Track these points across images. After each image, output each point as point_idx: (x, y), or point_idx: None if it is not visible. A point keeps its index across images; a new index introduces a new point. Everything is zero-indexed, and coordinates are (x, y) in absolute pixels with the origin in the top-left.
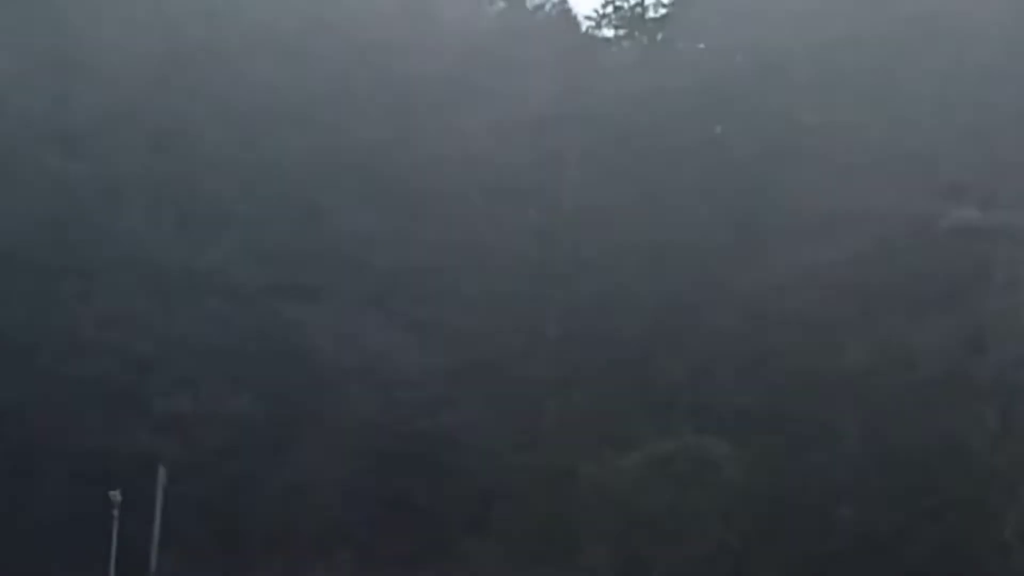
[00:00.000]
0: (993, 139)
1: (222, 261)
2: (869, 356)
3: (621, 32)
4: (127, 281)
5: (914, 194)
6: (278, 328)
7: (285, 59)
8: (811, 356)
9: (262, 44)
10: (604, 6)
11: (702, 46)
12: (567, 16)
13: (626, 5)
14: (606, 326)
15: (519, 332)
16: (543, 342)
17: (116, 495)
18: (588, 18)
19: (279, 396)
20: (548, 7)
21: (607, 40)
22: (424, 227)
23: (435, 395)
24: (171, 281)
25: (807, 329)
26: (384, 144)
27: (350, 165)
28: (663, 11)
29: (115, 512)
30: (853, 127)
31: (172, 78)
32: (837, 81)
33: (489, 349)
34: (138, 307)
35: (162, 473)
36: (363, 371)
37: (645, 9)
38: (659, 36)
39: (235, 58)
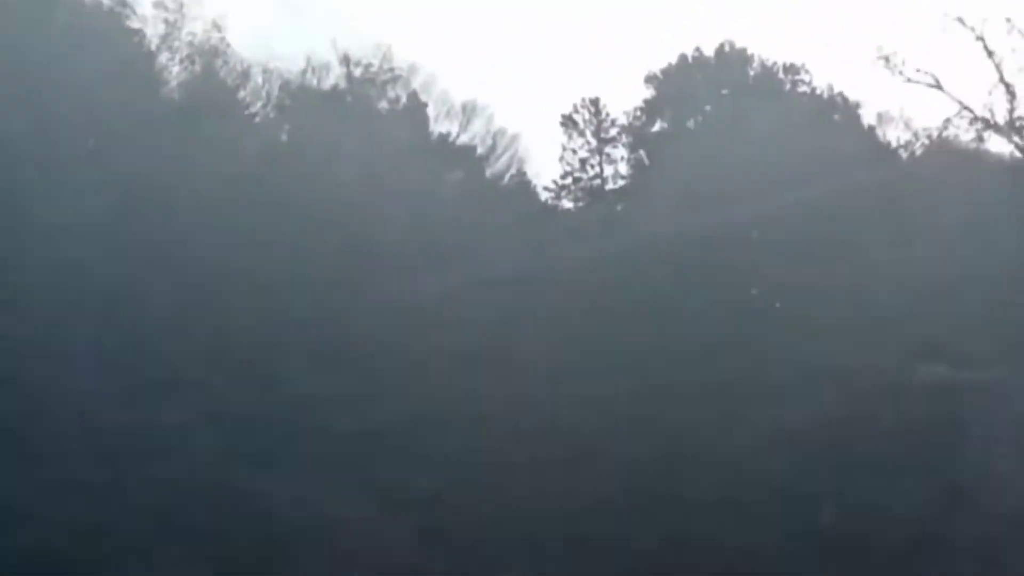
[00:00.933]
0: (960, 299)
1: (176, 425)
2: (844, 520)
3: (580, 204)
4: (75, 447)
5: (885, 353)
6: (234, 495)
7: (238, 221)
8: (785, 519)
9: (216, 205)
10: (563, 178)
11: (662, 213)
12: (526, 187)
13: (584, 177)
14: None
15: (486, 496)
16: (512, 507)
17: None
18: (547, 188)
19: (239, 564)
20: (507, 178)
21: (567, 210)
22: (386, 389)
23: (402, 565)
24: (121, 446)
25: (781, 491)
26: (343, 308)
27: (305, 329)
28: (621, 183)
29: None
30: (820, 288)
31: (123, 237)
32: (801, 245)
33: (455, 515)
34: (86, 474)
35: None
36: (324, 540)
37: (604, 181)
38: (618, 207)
39: (186, 218)
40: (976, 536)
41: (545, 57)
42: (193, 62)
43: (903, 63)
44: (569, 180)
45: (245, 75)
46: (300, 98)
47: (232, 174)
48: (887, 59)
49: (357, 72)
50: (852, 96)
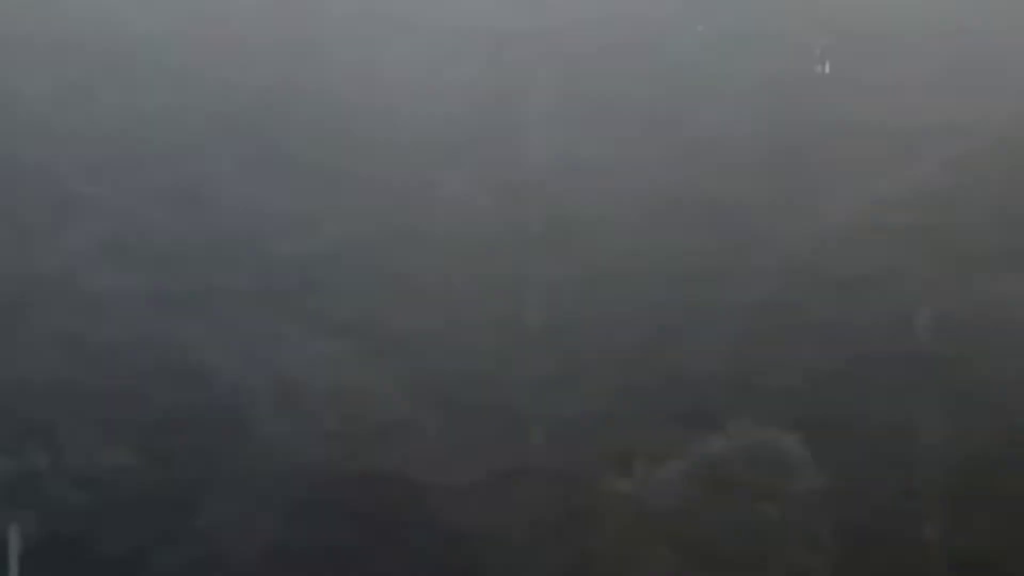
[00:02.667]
0: None
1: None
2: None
3: None
4: None
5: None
6: (155, 348)
7: None
8: (874, 322)
9: None
10: None
11: None
12: None
13: None
14: (605, 305)
15: (485, 327)
16: (521, 333)
17: None
18: None
19: (165, 440)
20: None
21: None
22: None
23: (380, 423)
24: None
25: (868, 288)
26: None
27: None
28: None
29: None
30: None
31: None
32: None
33: (447, 356)
34: None
35: (15, 540)
36: (279, 396)
37: None
38: None
39: None
40: None
41: None
42: None
43: None
44: None
45: None
46: None
47: None
48: None
49: None
50: None
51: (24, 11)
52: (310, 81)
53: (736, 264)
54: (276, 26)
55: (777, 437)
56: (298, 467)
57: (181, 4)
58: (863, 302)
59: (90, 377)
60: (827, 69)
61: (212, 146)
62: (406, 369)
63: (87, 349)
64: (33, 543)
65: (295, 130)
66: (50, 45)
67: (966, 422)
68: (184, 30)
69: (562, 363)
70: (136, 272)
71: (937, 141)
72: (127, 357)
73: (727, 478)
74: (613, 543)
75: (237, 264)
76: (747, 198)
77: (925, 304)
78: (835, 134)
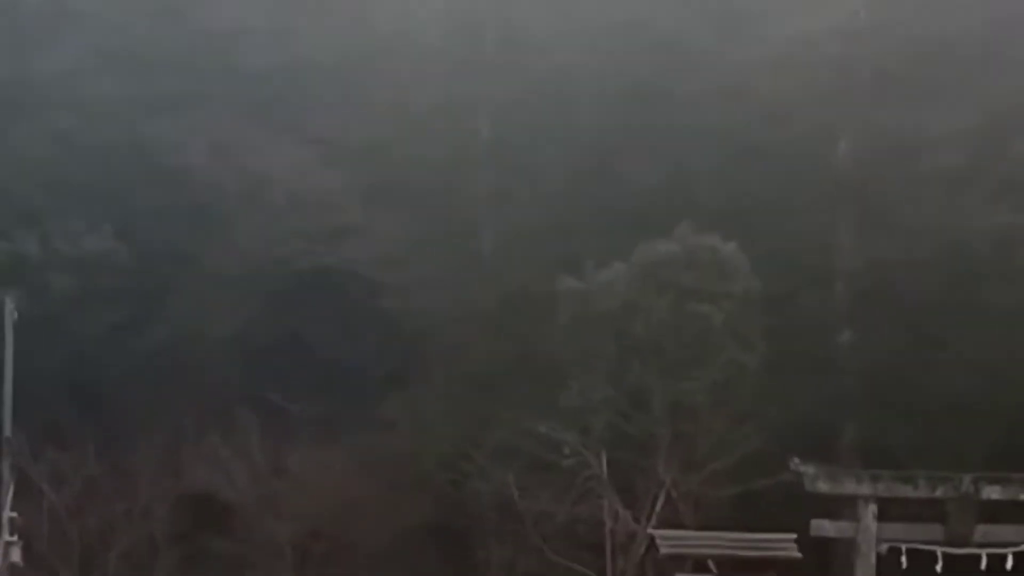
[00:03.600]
0: None
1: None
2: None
3: None
4: None
5: None
6: (139, 148)
7: None
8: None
9: None
10: None
11: None
12: None
13: None
14: (555, 119)
15: (445, 138)
16: (475, 145)
17: None
18: None
19: (145, 231)
20: None
21: None
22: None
23: (340, 224)
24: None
25: (793, 113)
26: None
27: None
28: None
29: None
30: None
31: None
32: None
33: (405, 163)
34: None
35: (10, 307)
36: (248, 196)
37: None
38: None
39: None
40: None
41: None
42: None
43: None
44: None
45: None
46: None
47: None
48: None
49: None
50: None
51: None
52: None
53: (677, 88)
54: None
55: (717, 244)
56: (263, 260)
57: None
58: (793, 127)
59: (77, 172)
60: None
61: None
62: (365, 176)
63: (76, 148)
64: (22, 320)
65: None
66: None
67: (878, 239)
68: None
69: (514, 175)
70: (124, 79)
71: None
72: (113, 156)
73: (669, 279)
74: (561, 337)
75: (215, 74)
76: (688, 26)
77: (848, 132)
78: None
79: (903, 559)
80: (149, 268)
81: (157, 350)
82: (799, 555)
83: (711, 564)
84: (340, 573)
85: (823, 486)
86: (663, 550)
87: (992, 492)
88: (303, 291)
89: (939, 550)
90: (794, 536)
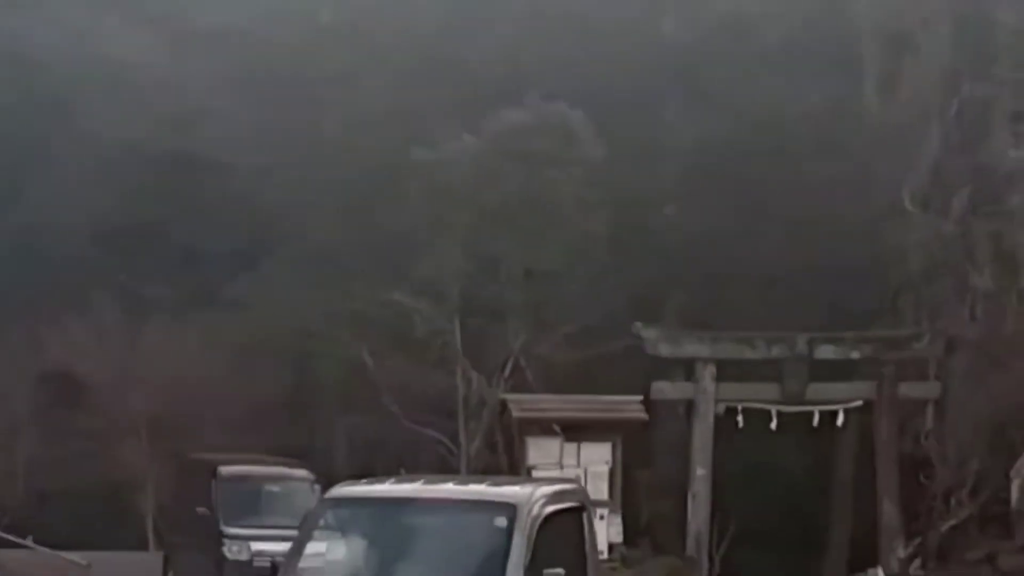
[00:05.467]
0: None
1: None
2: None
3: None
4: None
5: None
6: None
7: None
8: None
9: None
10: None
11: None
12: None
13: None
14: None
15: (291, 23)
16: (320, 29)
17: None
18: None
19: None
20: None
21: None
22: None
23: (191, 109)
24: None
25: None
26: None
27: None
28: None
29: None
30: None
31: None
32: None
33: (254, 49)
34: None
35: None
36: (101, 83)
37: None
38: None
39: None
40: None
41: None
42: None
43: None
44: None
45: None
46: None
47: None
48: None
49: None
50: None
51: None
52: None
53: None
54: None
55: (565, 111)
56: (116, 147)
57: None
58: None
59: None
60: None
61: None
62: (215, 63)
63: None
64: None
65: None
66: None
67: (705, 115)
68: None
69: (362, 57)
70: None
71: None
72: None
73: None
74: (413, 209)
75: None
76: None
77: (675, 10)
78: None
79: (739, 418)
80: (2, 159)
81: (13, 238)
82: (646, 416)
83: (556, 427)
84: (194, 446)
85: (664, 349)
86: (515, 413)
87: (826, 351)
88: (156, 176)
89: (774, 408)
90: (640, 398)
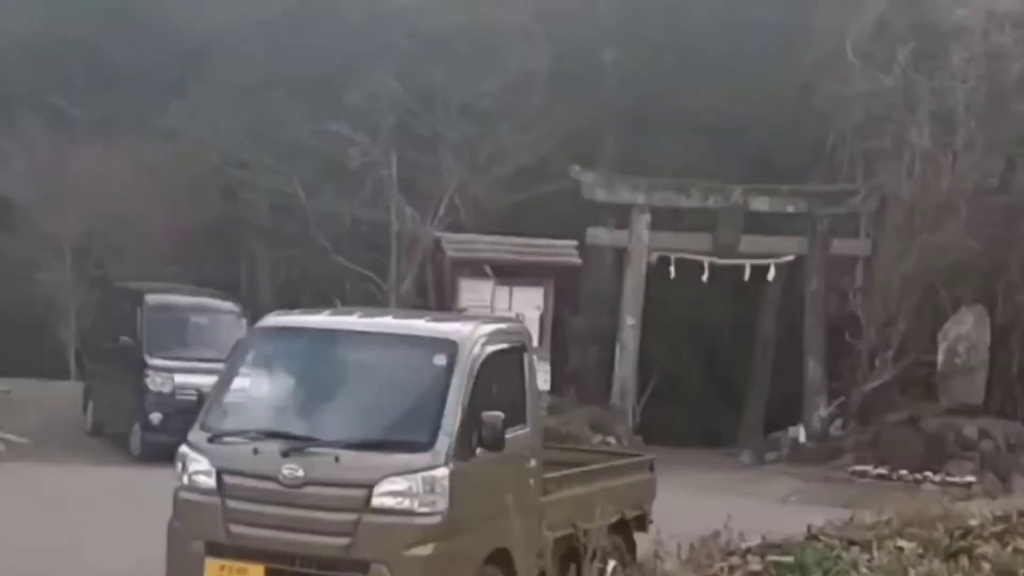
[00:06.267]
0: None
1: None
2: None
3: None
4: None
5: None
6: None
7: None
8: None
9: None
10: None
11: None
12: None
13: None
14: None
15: None
16: None
17: None
18: None
19: None
20: None
21: None
22: None
23: None
24: None
25: None
26: None
27: None
28: None
29: None
30: None
31: None
32: None
33: None
34: None
35: None
36: None
37: None
38: None
39: None
40: None
41: None
42: None
43: None
44: None
45: None
46: None
47: None
48: None
49: None
50: None
51: None
52: None
53: None
54: None
55: None
56: None
57: None
58: None
59: None
60: None
61: None
62: None
63: None
64: None
65: None
66: None
67: None
68: None
69: None
70: None
71: None
72: None
73: None
74: (350, 38)
75: None
76: None
77: None
78: None
79: (671, 268)
80: None
81: None
82: (579, 261)
83: (487, 269)
84: (118, 274)
85: (600, 194)
86: (449, 253)
87: (760, 204)
88: None
89: (706, 260)
90: (575, 243)
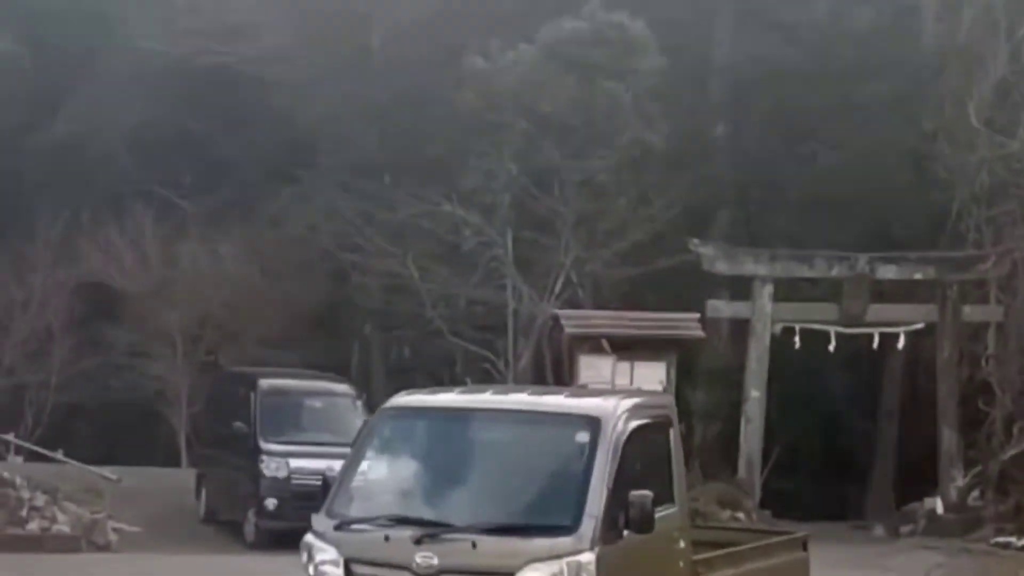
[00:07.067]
0: None
1: None
2: None
3: None
4: None
5: None
6: None
7: None
8: None
9: None
10: None
11: None
12: None
13: None
14: None
15: None
16: None
17: None
18: None
19: (44, 34)
20: None
21: None
22: None
23: (233, 23)
24: None
25: None
26: None
27: None
28: None
29: None
30: None
31: None
32: None
33: None
34: None
35: None
36: None
37: None
38: None
39: None
40: None
41: None
42: None
43: None
44: None
45: None
46: None
47: None
48: None
49: None
50: None
51: None
52: None
53: None
54: None
55: (626, 21)
56: (158, 60)
57: None
58: None
59: None
60: None
61: None
62: None
63: None
64: None
65: None
66: None
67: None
68: None
69: None
70: None
71: None
72: None
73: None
74: (464, 120)
75: None
76: None
77: None
78: None
79: (796, 339)
80: (47, 70)
81: (54, 148)
82: (702, 334)
83: (605, 344)
84: (229, 360)
85: (721, 266)
86: (568, 329)
87: (887, 272)
88: (197, 89)
89: (832, 330)
90: (697, 315)
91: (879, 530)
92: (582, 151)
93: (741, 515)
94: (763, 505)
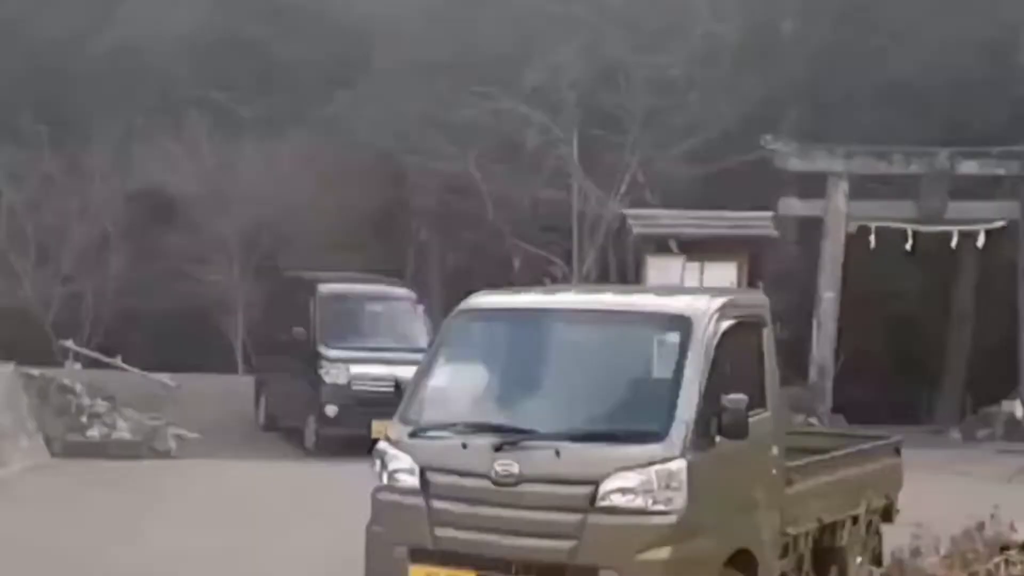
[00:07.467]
0: None
1: None
2: None
3: None
4: None
5: None
6: None
7: None
8: None
9: None
10: None
11: None
12: None
13: None
14: None
15: None
16: None
17: None
18: None
19: None
20: None
21: None
22: None
23: None
24: None
25: None
26: None
27: None
28: None
29: None
30: None
31: None
32: None
33: None
34: None
35: None
36: None
37: None
38: None
39: None
40: None
41: None
42: None
43: None
44: None
45: None
46: None
47: None
48: None
49: None
50: None
51: None
52: None
53: None
54: None
55: None
56: None
57: None
58: None
59: None
60: None
61: None
62: None
63: None
64: None
65: None
66: None
67: None
68: None
69: None
70: None
71: None
72: None
73: None
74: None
75: None
76: None
77: None
78: None
79: (872, 238)
80: None
81: (109, 54)
82: (776, 233)
83: (673, 245)
84: (287, 266)
85: (794, 163)
86: (636, 230)
87: (968, 167)
88: None
89: (910, 228)
90: (771, 214)
91: (955, 434)
92: (651, 45)
93: (814, 420)
94: (835, 410)
